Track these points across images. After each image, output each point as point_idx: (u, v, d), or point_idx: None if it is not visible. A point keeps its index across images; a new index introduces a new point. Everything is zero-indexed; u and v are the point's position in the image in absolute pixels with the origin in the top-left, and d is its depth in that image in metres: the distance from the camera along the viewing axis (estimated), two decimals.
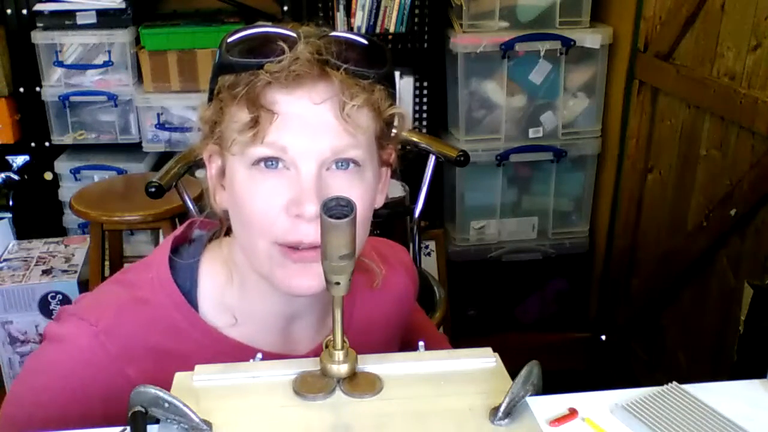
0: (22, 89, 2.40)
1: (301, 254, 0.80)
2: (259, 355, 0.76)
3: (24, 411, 0.85)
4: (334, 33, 0.82)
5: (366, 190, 0.83)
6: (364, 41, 0.83)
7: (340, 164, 0.81)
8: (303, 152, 0.78)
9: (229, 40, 0.81)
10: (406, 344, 1.08)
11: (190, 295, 0.89)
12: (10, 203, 2.54)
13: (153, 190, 1.52)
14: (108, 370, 0.84)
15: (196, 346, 0.87)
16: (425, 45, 2.37)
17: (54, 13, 2.32)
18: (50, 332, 0.87)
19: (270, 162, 0.80)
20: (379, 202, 0.90)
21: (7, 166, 2.51)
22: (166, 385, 0.83)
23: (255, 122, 0.78)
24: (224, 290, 0.90)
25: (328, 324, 0.93)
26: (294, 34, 0.79)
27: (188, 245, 0.93)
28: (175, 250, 0.92)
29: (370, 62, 0.81)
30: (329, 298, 0.68)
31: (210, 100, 0.84)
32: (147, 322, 0.86)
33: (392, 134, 0.88)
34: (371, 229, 0.88)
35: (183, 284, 0.89)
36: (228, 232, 0.91)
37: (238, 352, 0.88)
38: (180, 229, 0.95)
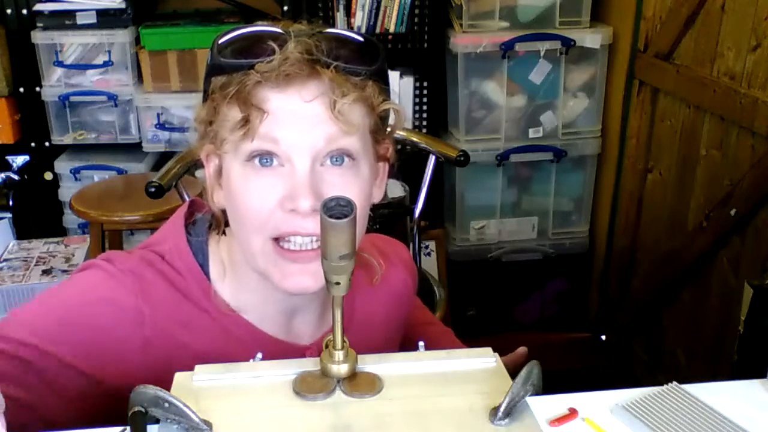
0: (22, 89, 2.40)
1: (298, 255, 0.81)
2: (259, 355, 0.76)
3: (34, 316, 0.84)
4: (326, 30, 0.82)
5: (362, 185, 0.83)
6: (357, 37, 0.84)
7: (334, 159, 0.81)
8: (296, 145, 0.79)
9: (221, 41, 0.82)
10: (411, 340, 1.08)
11: (203, 267, 0.90)
12: (10, 203, 2.54)
13: (153, 190, 1.52)
14: (126, 301, 0.84)
15: (206, 315, 0.88)
16: (425, 45, 2.37)
17: (54, 13, 2.32)
18: (75, 272, 0.89)
19: (264, 159, 0.80)
20: (377, 198, 0.90)
21: (7, 166, 2.51)
22: (172, 348, 0.84)
23: (246, 120, 0.78)
24: (217, 286, 0.90)
25: (328, 317, 0.93)
26: (284, 33, 0.80)
27: (193, 225, 0.94)
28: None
29: (362, 59, 0.82)
30: (328, 293, 0.68)
31: (204, 100, 0.85)
32: (165, 276, 0.87)
33: (387, 129, 0.88)
34: (370, 224, 0.88)
35: (196, 257, 0.90)
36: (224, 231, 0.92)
37: (245, 332, 0.89)
38: (185, 207, 0.95)
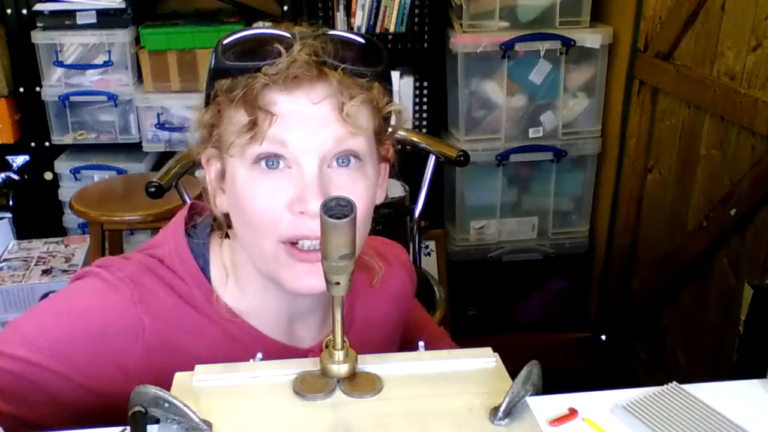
0: (22, 89, 2.40)
1: (307, 255, 0.80)
2: (259, 355, 0.76)
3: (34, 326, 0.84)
4: (329, 32, 0.82)
5: (368, 186, 0.83)
6: (361, 39, 0.83)
7: (341, 160, 0.80)
8: (304, 147, 0.78)
9: (225, 43, 0.81)
10: (407, 341, 1.08)
11: (204, 272, 0.89)
12: (10, 203, 2.54)
13: (153, 190, 1.52)
14: (126, 311, 0.84)
15: (208, 320, 0.87)
16: (425, 45, 2.37)
17: (54, 13, 2.32)
18: (71, 281, 0.88)
19: (271, 161, 0.79)
20: (380, 198, 0.90)
21: (7, 166, 2.51)
22: (174, 355, 0.83)
23: (253, 124, 0.78)
24: (219, 291, 0.90)
25: (330, 321, 0.93)
26: (289, 35, 0.79)
27: (194, 228, 0.93)
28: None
29: (367, 61, 0.81)
30: (330, 297, 0.68)
31: (207, 104, 0.84)
32: (165, 282, 0.87)
33: (390, 130, 0.88)
34: (372, 225, 0.88)
35: (197, 261, 0.89)
36: (227, 235, 0.91)
37: (248, 336, 0.88)
38: (185, 210, 0.94)
